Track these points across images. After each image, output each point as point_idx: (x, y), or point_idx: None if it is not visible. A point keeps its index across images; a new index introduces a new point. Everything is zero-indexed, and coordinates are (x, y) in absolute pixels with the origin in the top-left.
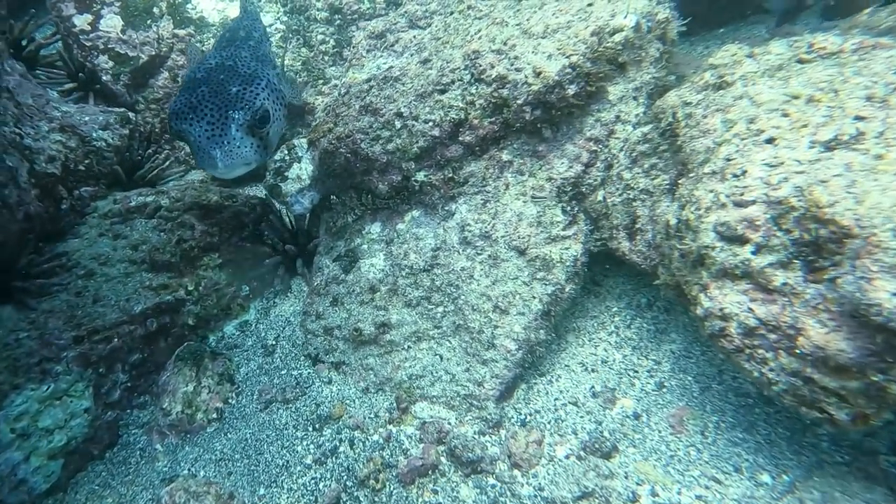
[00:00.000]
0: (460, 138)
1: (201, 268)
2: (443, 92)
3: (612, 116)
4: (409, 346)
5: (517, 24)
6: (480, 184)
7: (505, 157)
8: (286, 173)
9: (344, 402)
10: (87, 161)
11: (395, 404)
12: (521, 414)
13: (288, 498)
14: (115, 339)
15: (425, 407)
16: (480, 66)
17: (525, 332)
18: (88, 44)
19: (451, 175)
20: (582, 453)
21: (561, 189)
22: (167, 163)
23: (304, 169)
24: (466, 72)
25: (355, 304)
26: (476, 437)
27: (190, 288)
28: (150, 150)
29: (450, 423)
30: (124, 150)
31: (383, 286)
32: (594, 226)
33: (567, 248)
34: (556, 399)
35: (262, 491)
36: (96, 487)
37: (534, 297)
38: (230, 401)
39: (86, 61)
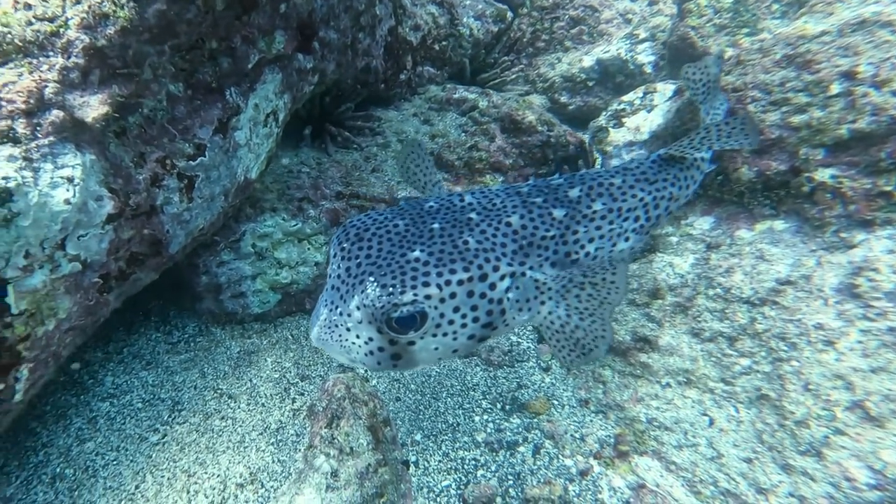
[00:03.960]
0: None
1: (480, 184)
2: None
3: None
4: (667, 384)
5: None
6: None
7: None
8: (624, 119)
9: (550, 400)
10: (443, 43)
11: (613, 439)
12: None
13: (440, 462)
14: None
15: (653, 467)
16: None
17: None
18: None
19: (888, 188)
20: None
21: None
22: (514, 76)
23: (649, 121)
24: None
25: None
26: None
27: None
28: (506, 58)
29: None
30: (482, 45)
31: (671, 295)
32: None
33: None
34: None
35: (418, 437)
36: (289, 337)
37: None
38: None
39: None
